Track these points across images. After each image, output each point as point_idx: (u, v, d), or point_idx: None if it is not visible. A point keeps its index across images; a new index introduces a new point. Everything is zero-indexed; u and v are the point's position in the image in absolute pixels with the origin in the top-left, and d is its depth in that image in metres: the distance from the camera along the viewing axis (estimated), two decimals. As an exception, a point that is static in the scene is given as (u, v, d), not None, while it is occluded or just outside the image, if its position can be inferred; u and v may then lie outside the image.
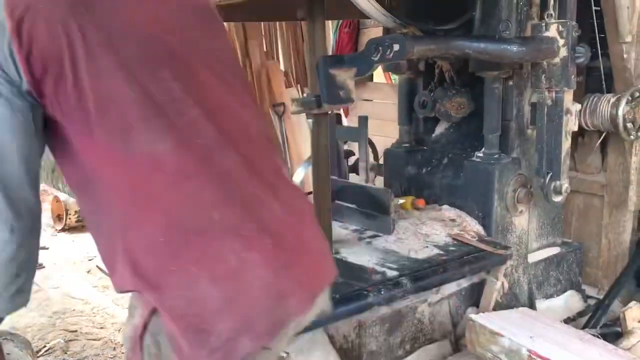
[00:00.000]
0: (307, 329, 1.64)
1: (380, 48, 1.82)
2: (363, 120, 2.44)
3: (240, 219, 1.10)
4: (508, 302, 2.27)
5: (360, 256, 2.06)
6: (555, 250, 2.50)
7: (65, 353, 3.09)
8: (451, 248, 2.12)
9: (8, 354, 1.88)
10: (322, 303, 1.22)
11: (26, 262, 1.07)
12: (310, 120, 2.03)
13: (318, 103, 1.93)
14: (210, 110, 1.14)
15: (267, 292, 1.09)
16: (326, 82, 1.87)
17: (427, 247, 2.12)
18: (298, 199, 1.28)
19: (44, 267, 5.06)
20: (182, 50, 1.14)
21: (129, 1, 1.13)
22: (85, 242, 4.65)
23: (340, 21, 4.43)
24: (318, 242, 1.26)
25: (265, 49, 5.67)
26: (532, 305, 2.35)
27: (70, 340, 3.29)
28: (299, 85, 5.74)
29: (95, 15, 1.05)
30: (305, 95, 2.19)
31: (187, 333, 1.05)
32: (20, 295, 1.07)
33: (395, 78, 5.24)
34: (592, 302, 2.55)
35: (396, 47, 1.80)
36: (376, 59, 1.85)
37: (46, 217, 4.98)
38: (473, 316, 1.90)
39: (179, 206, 1.08)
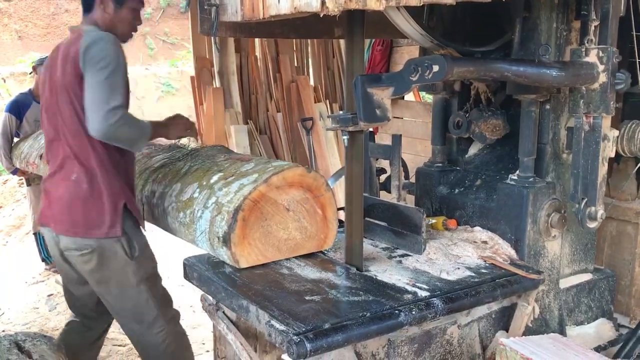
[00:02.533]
0: (336, 345, 1.66)
1: (419, 68, 1.83)
2: (396, 139, 2.44)
3: None
4: (538, 327, 2.24)
5: (391, 275, 2.05)
6: (587, 277, 2.46)
7: (92, 358, 3.10)
8: (483, 270, 2.11)
9: (42, 355, 1.92)
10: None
11: None
12: (345, 137, 2.04)
13: (354, 121, 1.95)
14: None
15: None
16: (363, 101, 1.89)
17: (458, 268, 2.11)
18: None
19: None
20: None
21: None
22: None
23: (373, 39, 4.46)
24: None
25: (296, 64, 5.74)
26: (562, 332, 2.32)
27: (97, 345, 3.31)
28: (327, 101, 5.79)
29: None
30: (340, 111, 2.21)
31: None
32: None
33: (424, 96, 5.25)
34: (624, 331, 2.50)
35: (435, 68, 1.80)
36: (415, 79, 1.85)
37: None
38: (504, 340, 1.87)
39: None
